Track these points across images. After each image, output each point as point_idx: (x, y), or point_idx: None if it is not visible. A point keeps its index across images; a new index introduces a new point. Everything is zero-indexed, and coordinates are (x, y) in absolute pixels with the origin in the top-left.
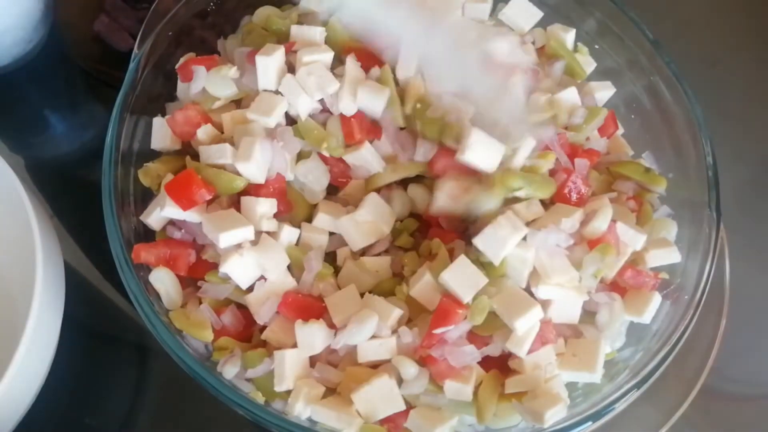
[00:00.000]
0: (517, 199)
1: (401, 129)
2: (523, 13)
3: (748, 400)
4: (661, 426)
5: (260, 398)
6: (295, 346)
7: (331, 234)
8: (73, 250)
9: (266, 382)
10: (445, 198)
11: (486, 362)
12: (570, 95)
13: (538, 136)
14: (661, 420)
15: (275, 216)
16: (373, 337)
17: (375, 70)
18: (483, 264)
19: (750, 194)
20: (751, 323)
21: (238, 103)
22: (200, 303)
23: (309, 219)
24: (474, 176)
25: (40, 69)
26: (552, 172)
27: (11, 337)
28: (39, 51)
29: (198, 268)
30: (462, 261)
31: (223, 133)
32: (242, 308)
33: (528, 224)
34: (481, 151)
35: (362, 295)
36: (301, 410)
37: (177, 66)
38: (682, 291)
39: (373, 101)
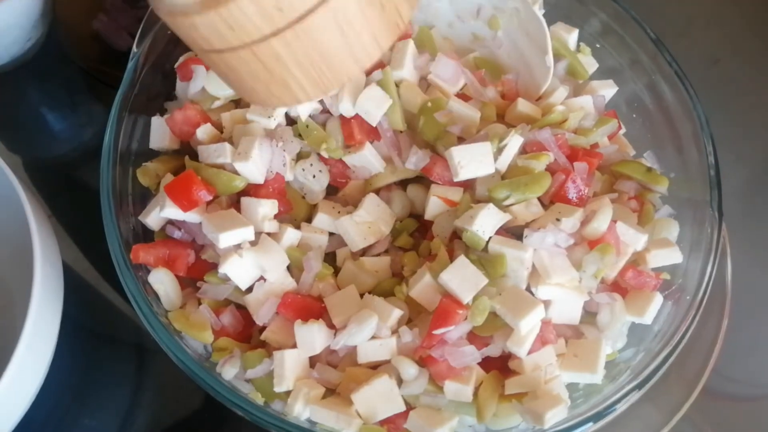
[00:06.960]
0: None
1: (400, 132)
2: None
3: (749, 400)
4: (663, 426)
5: (259, 399)
6: (294, 346)
7: (330, 234)
8: (71, 250)
9: (266, 382)
10: (440, 204)
11: (486, 363)
12: (584, 101)
13: (534, 136)
14: (663, 420)
15: (275, 216)
16: (373, 337)
17: (377, 73)
18: (483, 264)
19: (752, 194)
20: (752, 323)
21: (237, 102)
22: (199, 303)
23: (309, 219)
24: (465, 184)
25: (39, 68)
26: (551, 173)
27: (10, 337)
28: (38, 50)
29: (197, 268)
30: (462, 261)
31: (222, 132)
32: (241, 309)
33: (527, 224)
34: (471, 168)
35: (362, 295)
36: (300, 411)
37: (176, 65)
38: (684, 291)
39: (373, 109)
